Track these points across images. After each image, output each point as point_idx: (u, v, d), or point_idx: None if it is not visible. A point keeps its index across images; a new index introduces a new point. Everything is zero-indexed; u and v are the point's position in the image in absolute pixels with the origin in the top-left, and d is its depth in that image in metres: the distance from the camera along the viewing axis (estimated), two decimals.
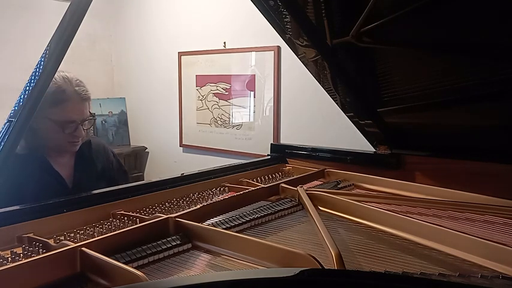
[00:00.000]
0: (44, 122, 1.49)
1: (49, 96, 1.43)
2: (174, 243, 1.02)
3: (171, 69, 3.85)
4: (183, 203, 1.37)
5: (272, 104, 3.24)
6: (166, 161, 4.02)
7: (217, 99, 3.57)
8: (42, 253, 0.93)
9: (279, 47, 3.12)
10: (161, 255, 0.99)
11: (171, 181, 1.47)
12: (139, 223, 1.12)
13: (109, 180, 1.69)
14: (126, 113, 4.13)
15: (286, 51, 2.76)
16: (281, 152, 1.97)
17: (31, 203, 1.17)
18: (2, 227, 1.06)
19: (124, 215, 1.21)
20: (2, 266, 0.87)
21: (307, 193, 1.34)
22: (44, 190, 1.46)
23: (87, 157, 1.66)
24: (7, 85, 3.39)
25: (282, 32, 1.58)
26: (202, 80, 3.65)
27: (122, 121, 4.10)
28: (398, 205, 1.30)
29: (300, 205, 1.34)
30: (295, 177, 1.62)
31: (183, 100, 3.81)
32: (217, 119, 3.59)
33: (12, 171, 1.42)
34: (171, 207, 1.33)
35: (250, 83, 3.35)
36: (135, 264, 0.94)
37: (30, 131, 1.45)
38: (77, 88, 1.52)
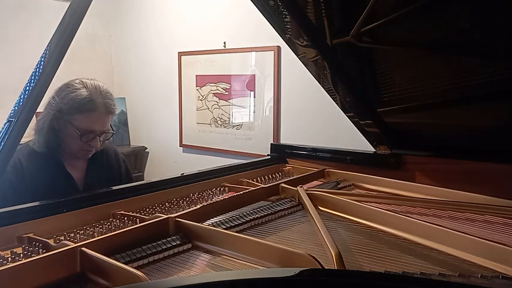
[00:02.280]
0: (65, 125, 1.51)
1: (77, 102, 1.47)
2: (174, 243, 1.02)
3: (171, 69, 3.85)
4: (183, 203, 1.37)
5: (272, 104, 3.24)
6: (166, 161, 4.02)
7: (217, 99, 3.57)
8: (42, 253, 0.93)
9: (279, 47, 3.12)
10: (161, 255, 0.99)
11: (171, 181, 1.47)
12: (139, 223, 1.12)
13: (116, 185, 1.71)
14: (126, 113, 4.13)
15: (286, 51, 2.76)
16: (281, 152, 1.97)
17: (31, 203, 1.17)
18: (2, 227, 1.06)
19: (124, 215, 1.21)
20: (2, 266, 0.87)
21: (307, 193, 1.34)
22: (56, 190, 1.48)
23: (99, 162, 1.68)
24: (7, 85, 3.40)
25: (282, 32, 1.58)
26: (202, 80, 3.65)
27: (122, 121, 4.10)
28: (398, 205, 1.30)
29: (300, 205, 1.34)
30: (295, 177, 1.62)
31: (183, 100, 3.81)
32: (217, 119, 3.59)
33: (28, 166, 1.48)
34: (171, 207, 1.33)
35: (250, 83, 3.35)
36: (135, 264, 0.94)
37: (51, 130, 1.50)
38: (105, 101, 1.54)
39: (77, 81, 1.54)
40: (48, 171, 1.53)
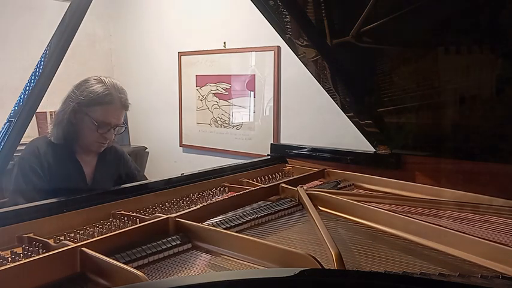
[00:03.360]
0: (82, 118, 1.58)
1: (96, 95, 1.57)
2: (174, 243, 1.02)
3: (171, 69, 3.85)
4: (183, 203, 1.37)
5: (272, 104, 3.24)
6: (166, 161, 4.02)
7: (217, 99, 3.57)
8: (42, 253, 0.93)
9: (279, 47, 3.12)
10: (161, 255, 0.99)
11: (171, 181, 1.47)
12: (139, 223, 1.12)
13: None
14: (126, 113, 4.12)
15: (286, 51, 2.76)
16: (281, 152, 1.97)
17: (31, 203, 1.17)
18: (2, 227, 1.06)
19: (124, 215, 1.21)
20: (2, 266, 0.87)
21: (307, 193, 1.34)
22: (67, 180, 1.57)
23: (108, 161, 1.74)
24: (7, 85, 3.39)
25: (282, 32, 1.58)
26: (202, 80, 3.65)
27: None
28: (398, 205, 1.31)
29: (300, 205, 1.34)
30: (295, 177, 1.62)
31: (183, 100, 3.80)
32: (217, 119, 3.59)
33: (45, 155, 1.56)
34: (171, 207, 1.33)
35: (250, 83, 3.35)
36: (135, 264, 0.94)
37: (70, 124, 1.59)
38: (121, 95, 1.63)
39: (95, 77, 1.63)
40: (62, 161, 1.59)
